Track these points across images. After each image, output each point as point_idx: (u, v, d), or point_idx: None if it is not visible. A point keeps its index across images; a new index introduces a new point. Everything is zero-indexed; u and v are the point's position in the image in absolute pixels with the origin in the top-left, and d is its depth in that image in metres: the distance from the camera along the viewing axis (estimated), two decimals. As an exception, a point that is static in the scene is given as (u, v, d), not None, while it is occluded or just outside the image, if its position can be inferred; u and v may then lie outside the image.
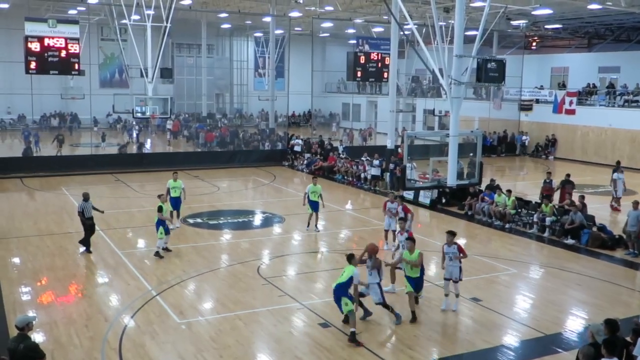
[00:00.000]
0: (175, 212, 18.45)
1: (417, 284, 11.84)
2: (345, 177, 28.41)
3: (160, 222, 15.79)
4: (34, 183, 25.97)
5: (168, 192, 18.30)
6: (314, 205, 18.46)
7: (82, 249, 16.19)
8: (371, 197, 24.98)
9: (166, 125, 42.55)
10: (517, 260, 16.11)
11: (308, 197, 18.45)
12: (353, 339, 10.62)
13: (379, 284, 11.51)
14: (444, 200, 22.97)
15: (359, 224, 20.03)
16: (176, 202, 18.46)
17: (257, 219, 20.93)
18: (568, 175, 22.62)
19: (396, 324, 11.53)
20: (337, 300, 10.82)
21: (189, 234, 18.16)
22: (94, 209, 16.40)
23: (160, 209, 15.85)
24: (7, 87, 41.09)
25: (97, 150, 33.57)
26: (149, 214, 20.58)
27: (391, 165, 26.11)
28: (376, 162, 26.88)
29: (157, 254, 15.77)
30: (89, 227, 16.21)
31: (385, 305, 11.57)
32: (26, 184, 25.98)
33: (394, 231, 16.33)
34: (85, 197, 16.28)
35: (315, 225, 18.79)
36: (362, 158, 28.70)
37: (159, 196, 16.73)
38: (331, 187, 27.47)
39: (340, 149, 33.24)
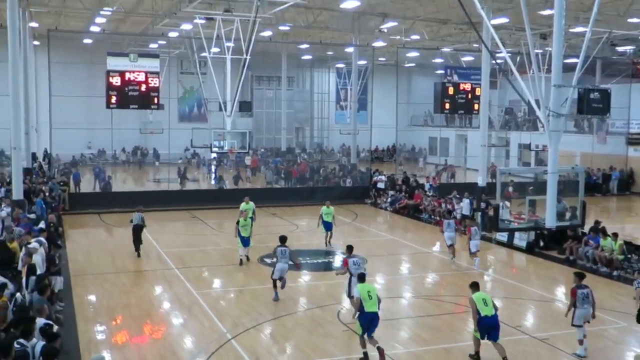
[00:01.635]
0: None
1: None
2: (432, 217, 28.03)
3: (238, 234, 19.17)
4: (112, 219, 27.08)
5: (241, 214, 20.40)
6: (328, 226, 21.97)
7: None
8: (461, 239, 24.54)
9: (245, 161, 43.49)
10: (626, 313, 15.26)
11: (322, 218, 21.91)
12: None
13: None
14: (542, 244, 22.23)
15: (448, 268, 19.66)
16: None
17: (338, 260, 20.91)
18: None
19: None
20: (375, 325, 11.76)
21: (265, 274, 18.34)
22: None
23: (237, 222, 19.38)
24: (89, 122, 43.40)
25: (175, 186, 34.65)
26: (225, 252, 21.05)
27: (482, 204, 25.57)
28: (466, 200, 26.45)
29: (240, 262, 19.27)
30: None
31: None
32: (104, 220, 27.14)
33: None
34: (140, 210, 20.56)
35: (329, 242, 22.04)
36: (450, 196, 28.29)
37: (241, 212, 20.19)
38: (417, 227, 27.15)
39: (427, 186, 32.91)
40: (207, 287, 17.43)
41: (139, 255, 20.21)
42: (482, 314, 11.51)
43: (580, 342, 12.23)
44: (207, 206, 29.87)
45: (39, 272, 13.30)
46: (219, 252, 21.44)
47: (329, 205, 22.35)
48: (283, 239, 15.98)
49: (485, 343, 11.89)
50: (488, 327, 11.56)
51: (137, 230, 20.16)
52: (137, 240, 20.21)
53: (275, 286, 15.71)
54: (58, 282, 14.63)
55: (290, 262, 15.72)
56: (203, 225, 26.41)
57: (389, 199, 31.65)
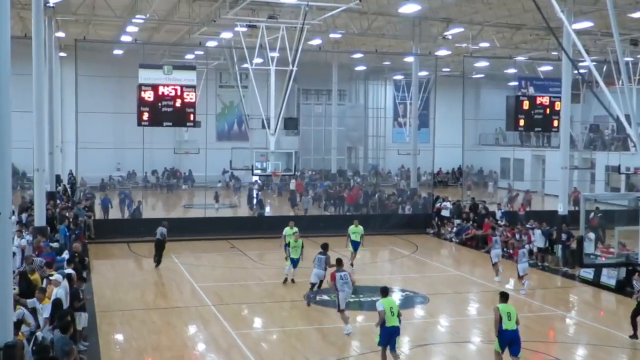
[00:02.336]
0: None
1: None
2: (505, 250, 27.59)
3: (288, 255, 21.73)
4: (142, 249, 27.47)
5: (284, 239, 22.79)
6: (355, 245, 24.07)
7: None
8: (538, 275, 24.03)
9: (290, 186, 43.56)
10: None
11: (350, 237, 24.05)
12: None
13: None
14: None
15: (523, 309, 19.25)
16: None
17: (395, 299, 20.71)
18: None
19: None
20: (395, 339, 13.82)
21: (312, 314, 18.34)
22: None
23: (288, 244, 21.99)
24: (118, 141, 44.33)
25: (211, 212, 35.00)
26: (268, 287, 21.12)
27: (563, 236, 25.07)
28: (537, 231, 26.03)
29: (285, 280, 21.69)
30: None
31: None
32: (133, 250, 27.58)
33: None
34: (164, 225, 24.67)
35: (352, 263, 23.69)
36: (527, 225, 27.83)
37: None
38: (487, 261, 26.70)
39: (498, 214, 32.47)
40: (247, 327, 17.48)
41: (156, 266, 24.24)
42: (504, 328, 13.21)
43: None
44: (247, 235, 30.07)
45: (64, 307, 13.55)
46: (261, 287, 21.51)
47: (357, 224, 24.52)
48: (325, 247, 19.57)
49: None
50: (508, 341, 13.27)
51: (156, 245, 24.20)
52: (156, 253, 24.28)
53: (311, 288, 19.22)
54: (82, 319, 14.87)
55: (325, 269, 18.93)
56: (243, 257, 26.57)
57: (455, 229, 31.31)
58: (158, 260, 24.30)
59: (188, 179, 49.52)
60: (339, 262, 17.31)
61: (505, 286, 21.70)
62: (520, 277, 21.26)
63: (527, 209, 37.09)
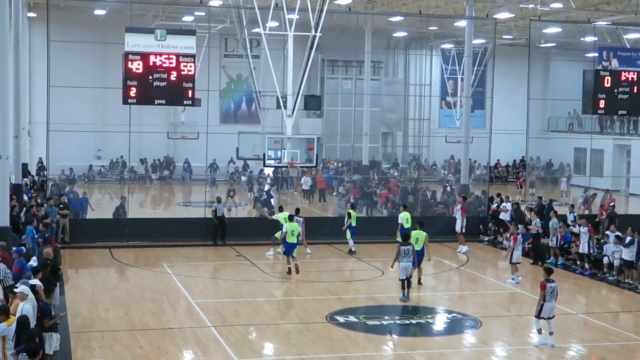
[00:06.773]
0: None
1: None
2: (579, 262, 27.44)
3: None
4: (127, 256, 27.63)
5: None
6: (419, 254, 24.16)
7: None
8: (618, 293, 23.93)
9: (302, 183, 42.84)
10: None
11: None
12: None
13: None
14: None
15: (600, 336, 19.18)
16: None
17: (439, 322, 20.70)
18: None
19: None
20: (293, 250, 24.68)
21: (336, 339, 18.36)
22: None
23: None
24: (100, 122, 44.54)
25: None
26: (282, 305, 21.19)
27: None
28: (636, 240, 25.65)
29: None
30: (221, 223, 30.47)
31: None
32: (116, 257, 27.72)
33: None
34: (219, 200, 31.42)
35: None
36: (608, 232, 27.58)
37: (282, 210, 28.31)
38: (556, 276, 26.60)
39: (570, 218, 32.25)
40: (256, 355, 17.54)
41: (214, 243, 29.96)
42: (405, 226, 26.48)
43: (539, 332, 17.92)
44: (256, 241, 30.04)
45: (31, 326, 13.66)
46: (273, 305, 21.58)
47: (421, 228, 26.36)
48: (407, 237, 23.05)
49: None
50: (405, 235, 23.29)
51: (219, 221, 30.30)
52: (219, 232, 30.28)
53: (403, 287, 21.98)
54: (53, 341, 14.99)
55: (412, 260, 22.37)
56: (250, 267, 26.62)
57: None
58: (222, 237, 30.16)
59: (187, 170, 49.64)
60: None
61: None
62: (513, 264, 24.89)
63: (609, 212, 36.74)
